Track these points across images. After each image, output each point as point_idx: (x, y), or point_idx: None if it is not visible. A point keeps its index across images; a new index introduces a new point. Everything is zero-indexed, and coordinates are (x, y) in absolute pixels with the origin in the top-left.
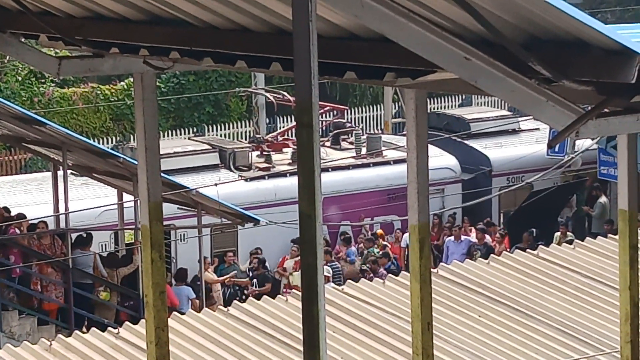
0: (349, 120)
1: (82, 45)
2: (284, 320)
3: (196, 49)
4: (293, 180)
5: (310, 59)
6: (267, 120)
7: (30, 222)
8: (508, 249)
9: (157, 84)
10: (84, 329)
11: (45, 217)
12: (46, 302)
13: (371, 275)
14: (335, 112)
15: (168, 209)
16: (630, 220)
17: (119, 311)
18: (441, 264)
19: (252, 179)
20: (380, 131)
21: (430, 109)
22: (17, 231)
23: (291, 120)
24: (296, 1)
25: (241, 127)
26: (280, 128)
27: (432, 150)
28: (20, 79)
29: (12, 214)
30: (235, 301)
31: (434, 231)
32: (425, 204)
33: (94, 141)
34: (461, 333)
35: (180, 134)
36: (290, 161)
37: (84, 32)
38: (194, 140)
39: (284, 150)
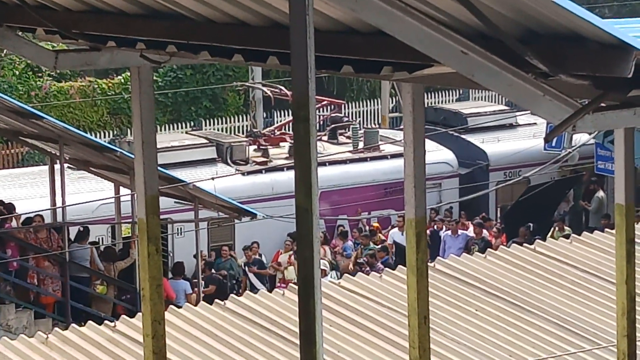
0: (346, 114)
1: (79, 38)
2: (281, 313)
3: (193, 42)
4: (290, 175)
5: (307, 52)
6: (264, 115)
7: (26, 215)
8: (505, 244)
9: (155, 78)
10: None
11: (42, 210)
12: (43, 295)
13: (367, 269)
14: (332, 107)
15: (165, 202)
16: (627, 215)
17: (116, 305)
18: (438, 258)
19: (249, 173)
20: (377, 125)
21: (428, 104)
22: (14, 225)
23: (288, 115)
24: None
25: (238, 121)
26: (277, 122)
27: (429, 144)
28: (17, 72)
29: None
30: (232, 295)
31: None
32: (422, 198)
33: (91, 135)
34: (458, 327)
35: (178, 128)
36: (288, 155)
37: (81, 26)
38: (191, 134)
39: (281, 144)
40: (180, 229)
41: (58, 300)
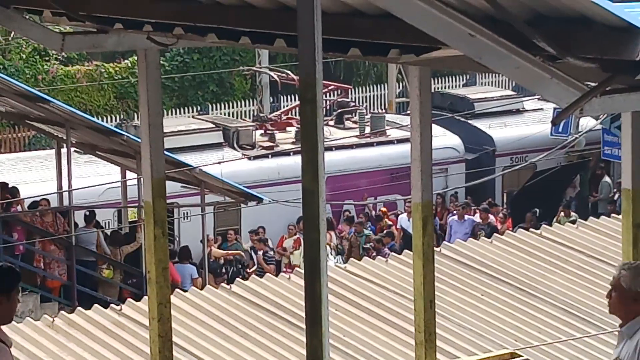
0: (353, 99)
1: (86, 20)
2: (287, 297)
3: (200, 25)
4: (296, 159)
5: (315, 34)
6: (271, 99)
7: (32, 199)
8: (511, 229)
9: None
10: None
11: (48, 194)
12: (49, 279)
13: (374, 253)
14: (339, 92)
15: (171, 187)
16: (633, 199)
17: (122, 289)
18: (444, 242)
19: (255, 157)
20: (384, 110)
21: (434, 89)
22: (19, 208)
23: (295, 99)
24: None
25: (245, 105)
26: (284, 107)
27: (436, 129)
28: (24, 56)
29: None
30: (238, 279)
31: (437, 211)
32: (428, 182)
33: (98, 119)
34: (463, 311)
35: (184, 113)
36: (294, 140)
37: (88, 8)
38: (197, 118)
39: (288, 129)
40: (187, 213)
41: (64, 284)
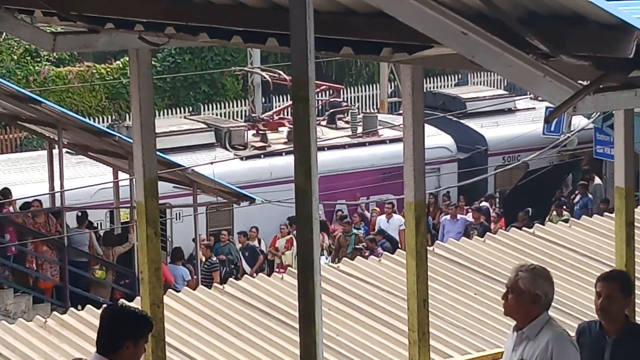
0: (345, 99)
1: (77, 20)
2: (280, 297)
3: (192, 24)
4: (289, 159)
5: (307, 33)
6: (263, 100)
7: (24, 200)
8: (504, 228)
9: (153, 63)
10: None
11: (40, 195)
12: (41, 280)
13: (367, 253)
14: (331, 91)
15: (164, 187)
16: (626, 198)
17: (114, 289)
18: (437, 241)
19: (247, 157)
20: (376, 110)
21: (426, 88)
22: (11, 209)
23: (287, 100)
24: None
25: (237, 106)
26: (276, 107)
27: (428, 129)
28: (15, 57)
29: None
30: (230, 279)
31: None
32: (421, 181)
33: (90, 120)
34: (457, 310)
35: (176, 113)
36: (286, 140)
37: (79, 8)
38: (189, 119)
39: (280, 129)
40: (179, 213)
41: (56, 285)
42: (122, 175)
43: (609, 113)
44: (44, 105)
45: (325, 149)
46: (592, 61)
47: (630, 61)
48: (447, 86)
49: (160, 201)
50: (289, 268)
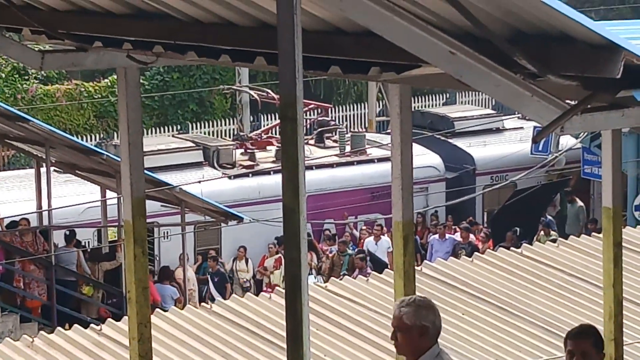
0: (333, 118)
1: (66, 39)
2: (267, 317)
3: (180, 42)
4: (277, 178)
5: (295, 52)
6: (251, 118)
7: (11, 219)
8: (492, 248)
9: (141, 81)
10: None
11: (27, 213)
12: (29, 299)
13: (356, 272)
14: (319, 110)
15: (151, 206)
16: (614, 218)
17: (101, 308)
18: (425, 261)
19: (235, 176)
20: (364, 129)
21: (414, 108)
22: None
23: (275, 118)
24: None
25: (225, 124)
26: (264, 126)
27: (416, 148)
28: (3, 75)
29: None
30: (218, 298)
31: (417, 230)
32: (409, 200)
33: (78, 138)
34: (444, 331)
35: (164, 132)
36: (274, 159)
37: (67, 26)
38: (177, 137)
39: (268, 148)
40: (167, 232)
41: (44, 304)
42: (109, 193)
43: (597, 133)
44: (32, 124)
45: (314, 167)
46: (580, 81)
47: (617, 81)
48: (435, 105)
49: (148, 220)
50: (277, 287)
